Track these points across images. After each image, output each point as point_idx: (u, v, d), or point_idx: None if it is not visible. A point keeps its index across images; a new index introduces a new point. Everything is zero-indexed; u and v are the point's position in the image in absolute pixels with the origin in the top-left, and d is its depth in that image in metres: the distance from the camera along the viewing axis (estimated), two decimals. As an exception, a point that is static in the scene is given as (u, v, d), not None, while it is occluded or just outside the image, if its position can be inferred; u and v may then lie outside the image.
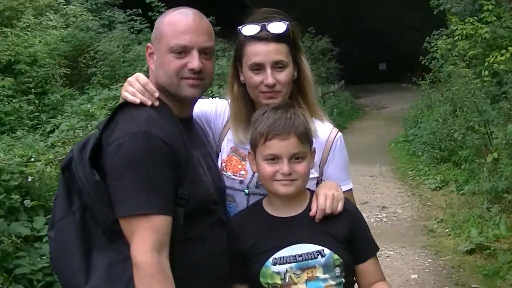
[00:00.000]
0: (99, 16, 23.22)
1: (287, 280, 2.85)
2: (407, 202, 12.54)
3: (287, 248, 2.86)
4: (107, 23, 23.17)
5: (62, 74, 18.74)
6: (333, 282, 2.88)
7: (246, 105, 3.15)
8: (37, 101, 16.31)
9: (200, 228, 2.77)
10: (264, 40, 3.03)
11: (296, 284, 2.84)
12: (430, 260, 8.86)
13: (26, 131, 13.15)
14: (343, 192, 3.07)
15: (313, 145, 3.01)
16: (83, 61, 20.56)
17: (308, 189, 3.04)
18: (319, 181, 3.16)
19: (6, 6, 18.23)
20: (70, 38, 20.80)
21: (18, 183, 6.54)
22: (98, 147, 2.67)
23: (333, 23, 37.23)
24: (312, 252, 2.85)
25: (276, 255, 2.86)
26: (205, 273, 2.77)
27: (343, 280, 2.90)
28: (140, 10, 23.25)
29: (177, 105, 2.88)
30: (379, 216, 11.44)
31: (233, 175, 3.16)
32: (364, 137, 22.37)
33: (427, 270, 8.48)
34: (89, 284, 2.59)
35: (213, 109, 3.32)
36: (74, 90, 18.13)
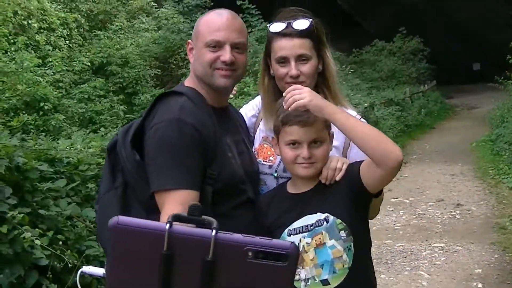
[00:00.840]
0: (190, 19, 23.62)
1: (300, 249, 2.98)
2: (483, 200, 12.46)
3: (300, 220, 3.05)
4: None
5: (152, 75, 19.38)
6: (341, 248, 2.99)
7: (275, 96, 3.33)
8: (127, 101, 16.86)
9: (227, 206, 3.00)
10: (289, 36, 3.26)
11: (307, 252, 3.01)
12: (496, 256, 8.87)
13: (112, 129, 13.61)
14: None
15: (331, 130, 3.13)
16: (174, 62, 21.14)
17: None
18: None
19: (100, 10, 18.98)
20: (161, 40, 21.51)
21: (95, 173, 6.93)
22: (141, 132, 2.96)
23: (425, 23, 36.73)
24: (319, 219, 3.00)
25: (291, 227, 3.06)
26: None
27: (351, 243, 3.00)
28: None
29: (212, 95, 3.13)
30: (452, 213, 11.42)
31: (263, 161, 3.40)
32: (450, 136, 22.22)
33: (491, 265, 8.49)
34: None
35: (251, 106, 3.63)
36: (165, 90, 18.47)
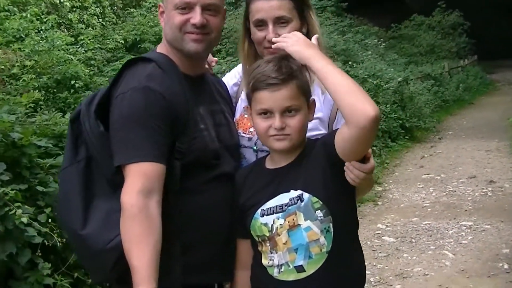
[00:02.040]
0: (226, -5, 23.56)
1: (273, 232, 2.76)
2: (518, 177, 12.18)
3: (275, 198, 2.77)
4: (233, 1, 23.49)
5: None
6: (317, 230, 2.69)
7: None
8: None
9: (197, 181, 2.85)
10: None
11: (279, 235, 2.74)
12: (526, 236, 8.63)
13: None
14: None
15: (312, 98, 2.89)
16: (208, 38, 20.97)
17: (308, 138, 2.92)
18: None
19: (134, -13, 19.02)
20: (196, 16, 21.37)
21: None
22: (106, 101, 2.82)
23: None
24: (292, 198, 2.73)
25: (264, 206, 2.79)
26: (201, 224, 2.86)
27: (330, 224, 2.70)
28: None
29: (185, 61, 2.93)
30: (484, 190, 11.19)
31: (243, 132, 3.17)
32: (488, 112, 21.81)
33: (520, 246, 8.27)
34: (85, 230, 2.72)
35: (233, 74, 3.41)
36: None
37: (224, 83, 3.36)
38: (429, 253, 8.06)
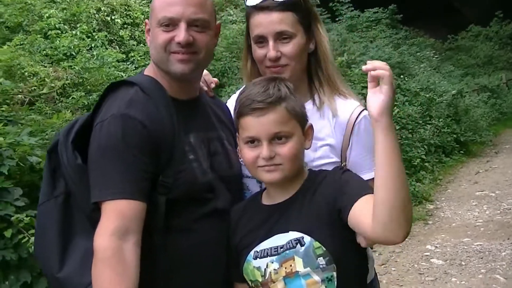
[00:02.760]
0: (278, 9, 23.57)
1: (267, 277, 2.47)
2: None
3: (270, 239, 2.48)
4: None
5: (239, 67, 19.34)
6: (317, 278, 2.38)
7: None
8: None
9: (186, 218, 2.60)
10: (266, 9, 2.74)
11: (274, 282, 2.44)
12: None
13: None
14: (370, 179, 2.58)
15: (309, 123, 2.60)
16: (261, 53, 20.99)
17: (309, 169, 2.65)
18: (342, 167, 2.75)
19: (187, 3, 19.02)
20: (249, 31, 21.41)
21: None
22: (87, 130, 2.57)
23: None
24: (291, 241, 2.42)
25: (258, 248, 2.50)
26: (190, 266, 2.60)
27: (333, 273, 2.39)
28: (318, 1, 23.38)
29: (173, 84, 2.68)
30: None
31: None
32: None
33: None
34: (62, 272, 2.51)
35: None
36: (247, 83, 18.60)
37: (226, 106, 3.07)
38: (479, 277, 7.70)
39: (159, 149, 2.51)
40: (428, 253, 8.75)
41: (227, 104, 3.14)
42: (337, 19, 23.50)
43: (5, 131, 4.85)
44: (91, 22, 14.94)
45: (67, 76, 12.31)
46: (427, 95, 16.42)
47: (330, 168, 2.70)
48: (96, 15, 15.14)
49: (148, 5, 18.10)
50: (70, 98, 11.70)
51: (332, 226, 2.39)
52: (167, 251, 2.55)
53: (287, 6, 2.74)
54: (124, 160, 2.43)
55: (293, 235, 2.42)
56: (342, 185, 2.43)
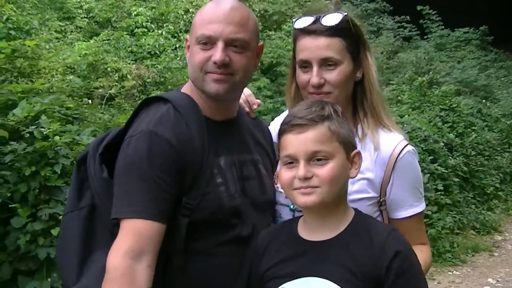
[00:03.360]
0: (368, 22, 23.39)
1: None
2: None
3: (301, 279, 2.30)
4: (375, 29, 23.28)
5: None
6: None
7: None
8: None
9: (208, 242, 2.52)
10: (313, 33, 2.67)
11: None
12: None
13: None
14: (407, 217, 2.69)
15: (357, 150, 2.44)
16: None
17: (355, 209, 2.46)
18: (381, 203, 2.69)
19: (275, 10, 19.08)
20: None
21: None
22: (118, 143, 2.53)
23: None
24: None
25: (287, 285, 2.32)
26: None
27: None
28: (408, 17, 23.14)
29: (209, 104, 2.62)
30: None
31: (281, 188, 2.67)
32: None
33: None
34: (78, 285, 2.48)
35: (282, 119, 2.91)
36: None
37: (266, 128, 3.01)
38: None
39: (185, 169, 2.45)
40: (488, 287, 8.51)
41: (272, 123, 3.09)
42: (426, 36, 23.22)
43: (66, 129, 4.98)
44: (178, 22, 15.19)
45: (148, 74, 12.53)
46: (508, 122, 16.01)
47: (367, 203, 2.64)
48: (184, 16, 15.37)
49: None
50: (149, 96, 11.92)
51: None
52: (186, 274, 2.49)
53: (336, 32, 2.65)
54: (147, 180, 2.38)
55: (328, 284, 2.25)
56: (402, 276, 2.24)
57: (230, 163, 2.63)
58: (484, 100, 17.23)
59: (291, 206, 2.73)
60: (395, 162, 2.67)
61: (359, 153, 2.42)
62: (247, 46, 2.58)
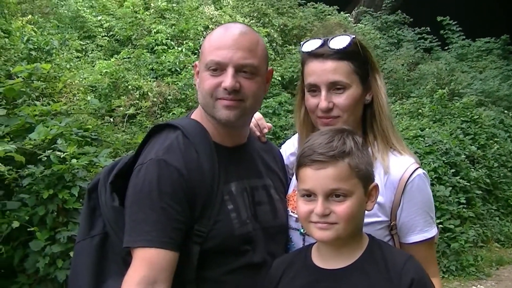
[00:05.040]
0: (388, 35, 23.35)
1: None
2: None
3: None
4: (396, 41, 23.23)
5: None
6: None
7: (314, 131, 2.71)
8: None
9: (220, 270, 2.51)
10: (321, 57, 2.67)
11: None
12: None
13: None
14: (419, 242, 2.65)
15: (376, 180, 2.47)
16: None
17: (369, 235, 2.47)
18: (391, 227, 2.67)
19: (295, 24, 19.11)
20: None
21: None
22: (128, 171, 2.55)
23: None
24: None
25: None
26: None
27: None
28: (428, 28, 23.07)
29: (220, 130, 2.62)
30: None
31: (292, 211, 2.77)
32: None
33: None
34: None
35: (291, 143, 3.08)
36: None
37: (278, 151, 3.02)
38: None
39: (195, 197, 2.45)
40: (512, 300, 8.43)
41: (283, 146, 3.10)
42: (446, 47, 23.11)
43: (84, 151, 5.02)
44: (198, 39, 15.23)
45: (169, 92, 12.59)
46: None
47: (378, 227, 2.62)
48: (204, 32, 15.42)
49: (257, 25, 18.39)
50: (170, 113, 11.97)
51: None
52: None
53: (344, 55, 2.66)
54: (156, 208, 2.39)
55: None
56: None
57: (241, 189, 2.63)
58: (506, 111, 17.07)
59: (301, 230, 2.72)
60: (405, 185, 2.64)
61: (376, 186, 2.43)
62: (257, 71, 2.58)
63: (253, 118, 2.85)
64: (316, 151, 2.30)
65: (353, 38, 2.69)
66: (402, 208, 2.64)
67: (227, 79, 2.49)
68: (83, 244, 2.60)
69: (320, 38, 2.72)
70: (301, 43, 2.77)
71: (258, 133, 2.95)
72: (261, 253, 2.60)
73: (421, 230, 2.66)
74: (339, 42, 2.66)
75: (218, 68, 2.52)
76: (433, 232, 2.71)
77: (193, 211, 2.45)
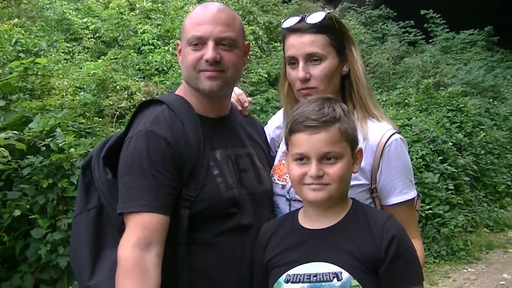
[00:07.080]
0: (372, 29, 23.46)
1: None
2: None
3: (306, 265, 2.43)
4: (380, 35, 23.34)
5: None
6: None
7: (296, 104, 2.80)
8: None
9: (209, 232, 2.65)
10: (298, 31, 2.82)
11: None
12: None
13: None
14: (399, 203, 2.78)
15: (359, 145, 2.61)
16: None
17: (352, 198, 2.62)
18: (372, 190, 2.80)
19: (280, 22, 19.05)
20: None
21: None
22: (119, 147, 2.69)
23: None
24: (328, 273, 2.37)
25: (291, 271, 2.45)
26: (212, 280, 2.66)
27: None
28: (412, 22, 23.17)
29: (203, 102, 2.78)
30: None
31: (278, 179, 2.93)
32: None
33: None
34: (92, 281, 2.61)
35: (277, 117, 3.22)
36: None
37: (260, 125, 3.18)
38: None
39: (183, 164, 2.62)
40: (503, 282, 8.56)
41: (269, 121, 3.27)
42: (431, 40, 23.24)
43: (80, 142, 5.11)
44: (184, 38, 15.29)
45: (157, 91, 12.65)
46: (517, 119, 16.06)
47: (358, 190, 2.76)
48: (189, 33, 15.47)
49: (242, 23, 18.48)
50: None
51: (373, 270, 2.39)
52: (190, 264, 2.63)
53: (319, 29, 2.81)
54: (148, 175, 2.54)
55: (331, 268, 2.39)
56: (398, 257, 2.39)
57: (225, 156, 2.79)
58: (491, 100, 17.24)
59: (287, 196, 2.86)
60: (382, 149, 2.78)
61: (361, 150, 2.60)
62: (235, 44, 2.75)
63: (234, 94, 3.03)
64: (309, 117, 2.45)
65: (328, 13, 2.85)
66: (381, 172, 2.78)
67: (208, 52, 2.65)
68: (81, 217, 2.76)
69: (298, 15, 2.87)
70: (282, 20, 2.91)
71: (239, 107, 3.10)
72: (249, 216, 2.76)
73: (400, 192, 2.80)
74: (316, 17, 2.82)
75: (199, 43, 2.68)
76: (412, 194, 2.83)
77: (181, 177, 2.61)
